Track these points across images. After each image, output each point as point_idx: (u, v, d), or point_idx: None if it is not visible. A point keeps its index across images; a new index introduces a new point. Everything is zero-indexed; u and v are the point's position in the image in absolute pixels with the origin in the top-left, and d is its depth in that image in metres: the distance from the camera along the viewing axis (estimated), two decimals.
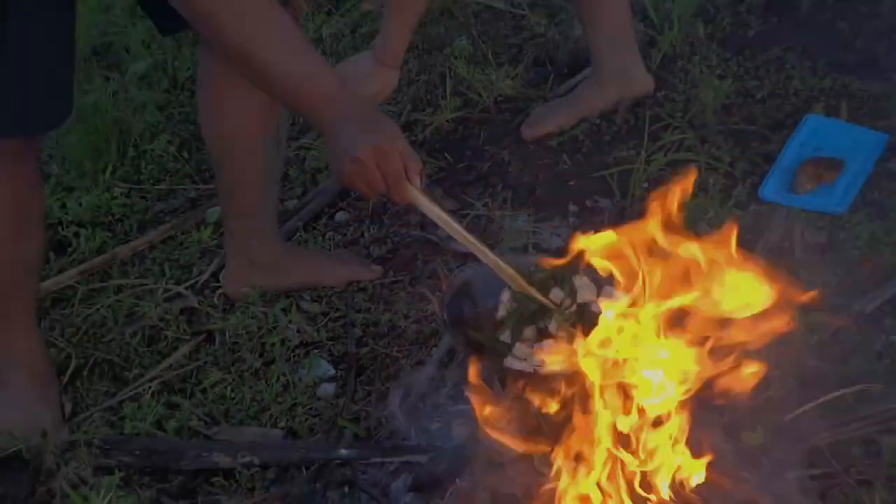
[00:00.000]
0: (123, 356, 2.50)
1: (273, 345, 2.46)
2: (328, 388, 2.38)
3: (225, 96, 2.36)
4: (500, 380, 1.87)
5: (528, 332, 1.93)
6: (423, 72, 3.21)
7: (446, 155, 2.93)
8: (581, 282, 1.96)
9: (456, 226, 1.94)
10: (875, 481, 1.99)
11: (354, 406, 2.34)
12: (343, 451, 2.20)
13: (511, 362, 1.87)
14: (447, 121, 3.01)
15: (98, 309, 2.61)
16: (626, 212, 2.61)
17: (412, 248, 2.70)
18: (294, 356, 2.45)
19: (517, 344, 1.89)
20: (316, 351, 2.47)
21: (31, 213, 2.24)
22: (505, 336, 1.92)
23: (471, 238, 1.97)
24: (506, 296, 1.98)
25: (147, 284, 2.65)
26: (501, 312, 1.96)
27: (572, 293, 1.93)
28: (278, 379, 2.38)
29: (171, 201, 2.93)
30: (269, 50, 1.75)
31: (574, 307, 1.91)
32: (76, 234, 2.78)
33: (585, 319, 1.85)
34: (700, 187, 2.60)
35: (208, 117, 2.47)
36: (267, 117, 2.40)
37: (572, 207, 2.73)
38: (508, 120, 2.98)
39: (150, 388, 2.40)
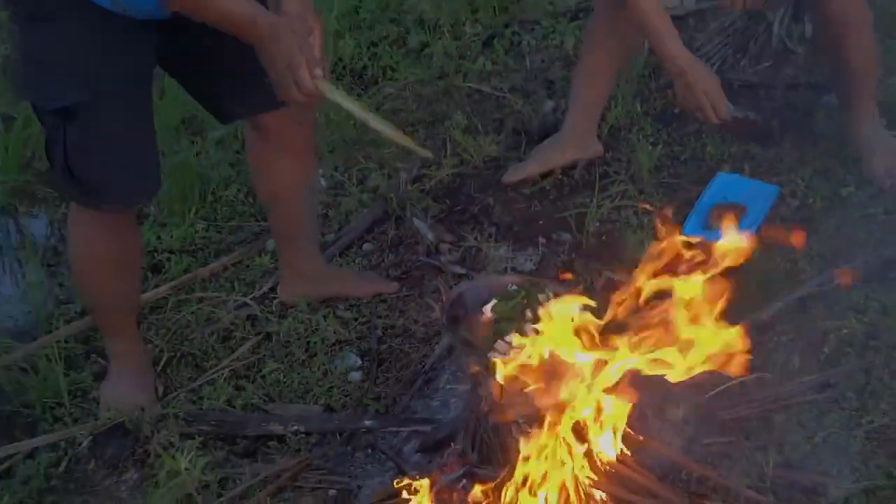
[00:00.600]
0: (202, 351, 2.62)
1: (315, 342, 2.58)
2: (356, 375, 2.52)
3: (265, 161, 2.48)
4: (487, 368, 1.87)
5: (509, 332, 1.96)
6: (428, 138, 3.28)
7: (446, 200, 3.03)
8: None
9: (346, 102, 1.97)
10: (769, 446, 2.10)
11: (376, 388, 2.47)
12: (367, 422, 2.34)
13: (494, 355, 1.89)
14: (447, 175, 3.09)
15: (184, 315, 2.73)
16: (581, 244, 2.75)
17: (420, 270, 2.80)
18: (331, 351, 2.58)
19: (498, 341, 1.92)
20: (347, 347, 2.59)
21: (130, 256, 2.37)
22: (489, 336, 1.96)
23: (355, 106, 1.98)
24: (489, 306, 2.00)
25: (221, 297, 2.78)
26: (486, 315, 2.00)
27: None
28: (319, 368, 2.52)
29: (239, 234, 3.03)
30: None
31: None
32: (168, 259, 2.91)
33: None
34: (639, 226, 2.74)
35: (255, 177, 2.61)
36: (299, 175, 2.50)
37: (541, 240, 2.82)
38: (493, 174, 3.06)
39: (222, 374, 2.53)
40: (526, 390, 1.83)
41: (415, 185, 3.08)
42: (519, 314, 1.99)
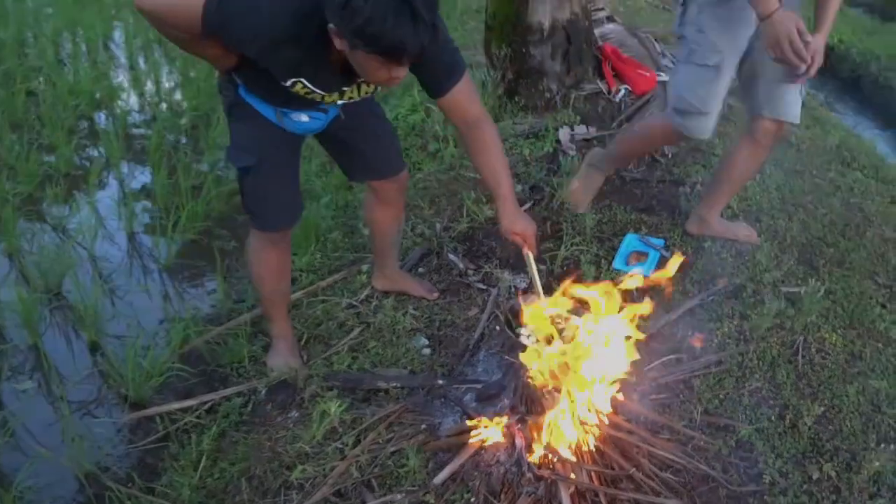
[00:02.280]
0: (328, 333, 2.35)
1: (398, 329, 2.32)
2: (426, 351, 2.26)
3: (375, 208, 2.27)
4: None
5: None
6: (449, 206, 3.04)
7: (466, 243, 2.78)
8: None
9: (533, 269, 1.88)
10: (692, 401, 1.91)
11: (440, 359, 2.21)
12: (440, 381, 2.08)
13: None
14: (465, 227, 2.85)
15: (314, 311, 2.45)
16: (552, 271, 2.52)
17: (456, 286, 2.55)
18: (408, 335, 2.31)
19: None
20: (419, 332, 2.33)
21: (285, 264, 2.15)
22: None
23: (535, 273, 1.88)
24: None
25: (336, 299, 2.49)
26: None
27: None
28: (402, 346, 2.25)
29: (342, 261, 2.76)
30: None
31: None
32: (300, 276, 2.64)
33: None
34: (586, 261, 2.54)
35: (368, 216, 2.35)
36: (394, 217, 2.30)
37: None
38: (492, 227, 2.78)
39: (342, 349, 2.25)
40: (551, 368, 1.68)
41: (446, 232, 2.84)
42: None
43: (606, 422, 1.75)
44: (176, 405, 2.09)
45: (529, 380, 1.72)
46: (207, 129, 3.68)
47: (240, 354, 2.25)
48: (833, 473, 1.64)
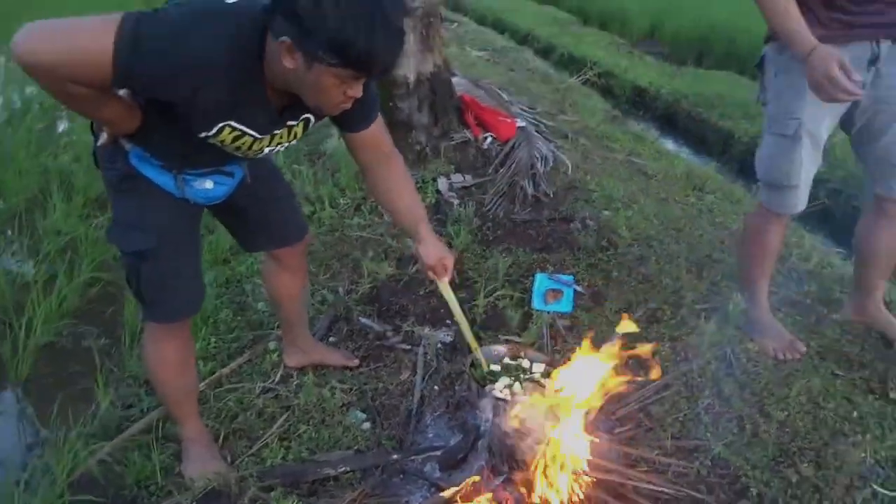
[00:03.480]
0: (248, 425, 2.07)
1: (328, 407, 2.11)
2: (367, 426, 2.07)
3: (277, 276, 2.10)
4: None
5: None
6: (343, 267, 2.92)
7: (375, 304, 2.66)
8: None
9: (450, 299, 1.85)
10: (656, 427, 1.91)
11: (384, 432, 2.03)
12: (394, 456, 1.91)
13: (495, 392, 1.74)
14: (367, 288, 2.74)
15: (224, 403, 2.16)
16: (475, 320, 2.44)
17: (377, 350, 2.41)
18: (340, 412, 2.11)
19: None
20: (352, 407, 2.13)
21: (189, 355, 1.90)
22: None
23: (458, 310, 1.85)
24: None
25: (247, 386, 2.23)
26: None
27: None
28: (338, 424, 2.05)
29: (241, 342, 2.50)
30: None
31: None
32: (197, 365, 2.28)
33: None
34: (504, 307, 2.51)
35: (270, 287, 2.17)
36: (298, 284, 2.15)
37: (448, 321, 2.53)
38: (396, 286, 2.71)
39: (271, 440, 2.00)
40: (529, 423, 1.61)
41: (349, 295, 2.68)
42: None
43: (588, 466, 1.70)
44: None
45: (509, 435, 1.64)
46: (42, 213, 3.22)
47: (146, 470, 1.91)
48: (810, 473, 1.71)
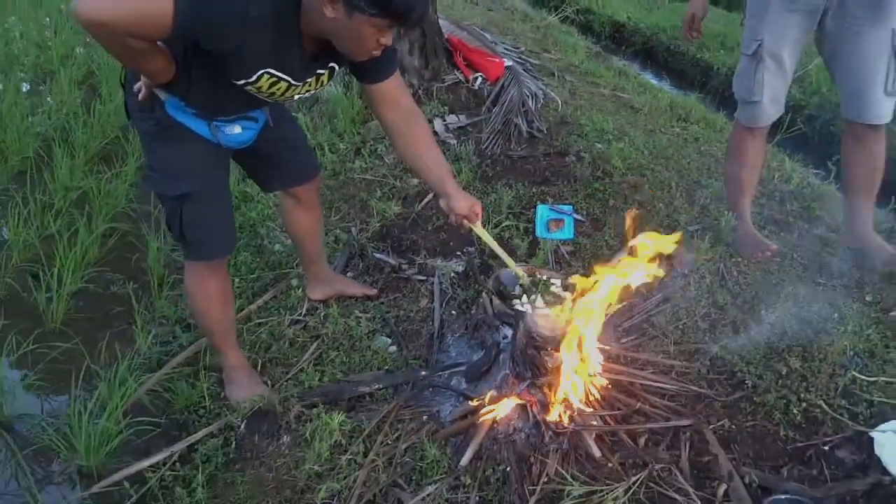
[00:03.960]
0: (282, 354, 2.25)
1: (355, 335, 2.27)
2: (393, 349, 2.25)
3: (294, 213, 2.24)
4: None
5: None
6: (351, 208, 3.05)
7: (386, 241, 2.80)
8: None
9: (488, 239, 1.93)
10: (660, 335, 2.10)
11: (410, 353, 2.21)
12: (422, 373, 2.09)
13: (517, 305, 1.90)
14: (378, 226, 2.86)
15: (257, 336, 2.33)
16: (483, 251, 2.60)
17: (394, 282, 2.56)
18: (366, 338, 2.27)
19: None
20: (377, 333, 2.31)
21: (228, 290, 2.06)
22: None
23: (494, 243, 1.94)
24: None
25: (276, 319, 2.39)
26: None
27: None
28: (367, 350, 2.22)
29: (262, 281, 2.66)
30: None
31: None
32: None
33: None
34: (510, 237, 2.68)
35: (289, 224, 2.31)
36: (315, 220, 2.30)
37: (457, 252, 2.68)
38: (404, 223, 2.85)
39: (306, 366, 2.17)
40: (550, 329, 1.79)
41: (361, 234, 2.82)
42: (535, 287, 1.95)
43: (602, 370, 1.89)
44: (146, 462, 1.88)
45: (533, 343, 1.81)
46: (49, 171, 3.28)
47: (193, 396, 2.08)
48: (797, 366, 1.92)
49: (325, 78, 1.71)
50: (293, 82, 1.62)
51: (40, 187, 3.15)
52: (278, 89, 1.63)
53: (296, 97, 1.73)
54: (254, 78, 1.56)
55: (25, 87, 4.47)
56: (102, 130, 3.83)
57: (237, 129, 1.82)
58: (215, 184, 1.87)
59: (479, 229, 1.87)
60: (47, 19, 6.07)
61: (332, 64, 1.68)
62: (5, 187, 3.30)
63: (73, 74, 4.56)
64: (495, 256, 1.95)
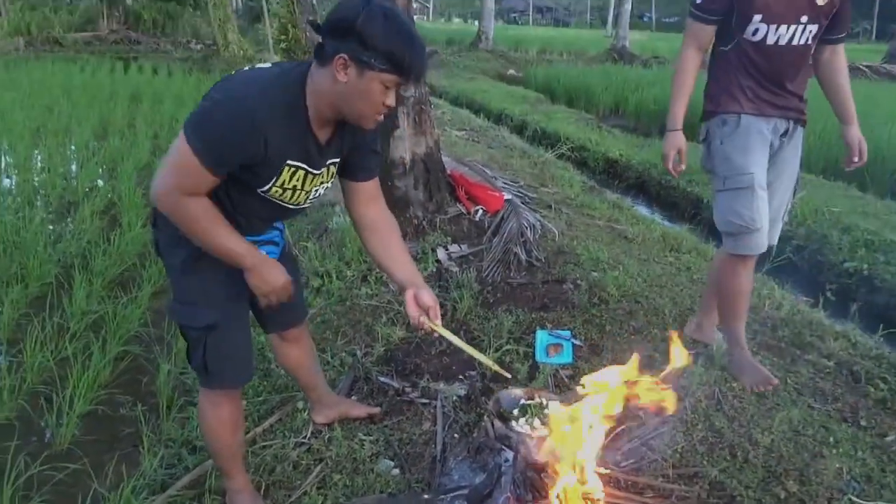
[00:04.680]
0: (285, 477, 2.25)
1: (358, 457, 2.30)
2: (395, 472, 2.25)
3: (287, 350, 2.33)
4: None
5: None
6: (357, 333, 3.12)
7: (391, 364, 2.85)
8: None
9: (449, 335, 1.89)
10: (658, 460, 2.13)
11: (413, 476, 2.22)
12: (425, 496, 2.08)
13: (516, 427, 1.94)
14: (383, 350, 2.94)
15: (262, 459, 2.35)
16: (485, 374, 2.67)
17: (397, 405, 2.61)
18: (371, 460, 2.30)
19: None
20: (380, 456, 2.32)
21: (240, 417, 2.10)
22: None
23: (455, 339, 1.91)
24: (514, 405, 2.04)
25: (280, 442, 2.42)
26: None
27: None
28: (370, 472, 2.23)
29: (267, 405, 2.69)
30: (211, 237, 1.70)
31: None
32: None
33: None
34: (512, 361, 2.75)
35: (283, 360, 2.39)
36: (307, 353, 2.37)
37: (460, 376, 2.73)
38: (409, 347, 2.91)
39: (309, 489, 2.18)
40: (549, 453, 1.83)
41: (365, 357, 2.91)
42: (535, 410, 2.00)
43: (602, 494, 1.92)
44: None
45: (531, 464, 1.85)
46: (68, 296, 3.42)
47: None
48: (795, 489, 1.94)
49: (333, 169, 1.85)
50: (311, 170, 1.74)
51: (58, 311, 3.27)
52: (298, 180, 1.74)
53: (310, 197, 1.83)
54: (277, 175, 1.69)
55: (48, 216, 4.72)
56: (121, 257, 4.01)
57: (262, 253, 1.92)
58: (239, 314, 1.95)
59: (439, 327, 1.87)
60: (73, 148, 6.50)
61: (337, 158, 1.81)
62: (25, 311, 3.42)
63: (95, 205, 4.82)
64: (497, 380, 2.03)
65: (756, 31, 2.34)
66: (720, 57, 2.47)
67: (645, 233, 4.36)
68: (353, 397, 2.69)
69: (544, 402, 2.03)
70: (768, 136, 2.43)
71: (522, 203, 4.48)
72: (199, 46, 19.59)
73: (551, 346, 2.83)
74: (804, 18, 2.30)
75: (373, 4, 1.51)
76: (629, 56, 21.05)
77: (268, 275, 1.78)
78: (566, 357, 2.77)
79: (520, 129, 9.55)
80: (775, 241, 2.59)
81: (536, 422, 1.97)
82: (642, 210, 5.87)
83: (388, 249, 1.94)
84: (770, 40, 2.34)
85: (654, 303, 3.15)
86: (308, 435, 2.44)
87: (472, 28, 28.47)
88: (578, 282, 3.36)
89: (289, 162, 1.70)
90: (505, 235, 3.89)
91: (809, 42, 2.36)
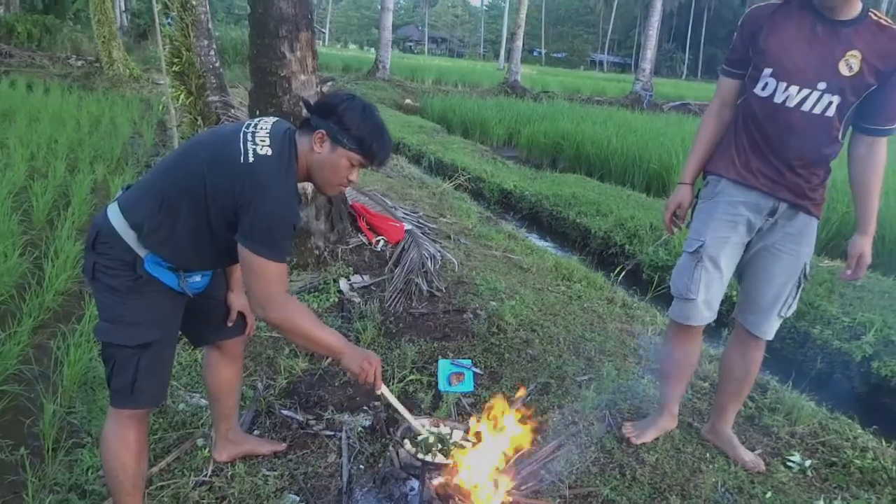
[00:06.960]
0: None
1: (264, 494, 2.26)
2: None
3: (217, 366, 2.33)
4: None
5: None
6: (258, 365, 3.06)
7: (294, 398, 2.82)
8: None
9: (396, 403, 2.06)
10: (556, 481, 2.24)
11: None
12: None
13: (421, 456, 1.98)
14: (285, 383, 2.89)
15: (160, 499, 2.25)
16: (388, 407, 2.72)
17: (301, 438, 2.59)
18: (276, 496, 2.27)
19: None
20: (285, 491, 2.30)
21: (145, 443, 2.04)
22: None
23: (402, 408, 2.08)
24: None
25: (180, 481, 2.32)
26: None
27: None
28: None
29: (164, 442, 2.57)
30: (314, 341, 1.86)
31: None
32: None
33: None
34: (414, 391, 2.81)
35: (210, 377, 2.36)
36: (236, 375, 2.37)
37: (364, 407, 2.77)
38: (311, 379, 2.88)
39: None
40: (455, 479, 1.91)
41: (267, 391, 2.88)
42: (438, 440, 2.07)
43: None
44: None
45: (437, 492, 1.92)
46: None
47: None
48: (678, 503, 2.12)
49: None
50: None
51: None
52: None
53: None
54: None
55: None
56: None
57: (198, 278, 2.00)
58: (173, 332, 1.99)
59: (386, 391, 2.00)
60: None
61: None
62: None
63: None
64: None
65: (765, 85, 2.13)
66: (735, 112, 2.28)
67: (539, 263, 4.58)
68: (255, 432, 2.66)
69: (450, 431, 2.11)
70: (743, 212, 2.21)
71: (422, 233, 4.59)
72: (80, 63, 18.54)
73: (453, 375, 2.92)
74: (822, 85, 2.06)
75: (357, 98, 1.83)
76: (521, 90, 21.96)
77: (363, 359, 1.91)
78: (468, 385, 2.87)
79: (417, 159, 9.73)
80: (769, 336, 2.34)
81: (437, 452, 2.05)
82: (535, 240, 6.14)
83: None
84: (778, 98, 2.11)
85: (548, 331, 3.32)
86: (209, 473, 2.38)
87: (369, 56, 28.73)
88: (478, 311, 3.48)
89: None
90: (406, 266, 3.97)
91: (829, 114, 2.08)
